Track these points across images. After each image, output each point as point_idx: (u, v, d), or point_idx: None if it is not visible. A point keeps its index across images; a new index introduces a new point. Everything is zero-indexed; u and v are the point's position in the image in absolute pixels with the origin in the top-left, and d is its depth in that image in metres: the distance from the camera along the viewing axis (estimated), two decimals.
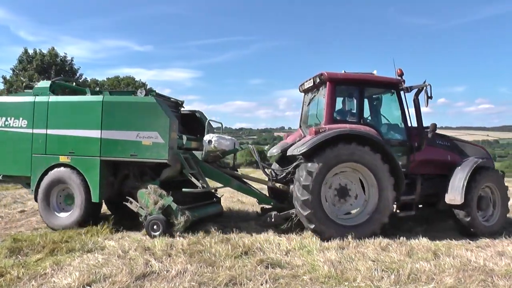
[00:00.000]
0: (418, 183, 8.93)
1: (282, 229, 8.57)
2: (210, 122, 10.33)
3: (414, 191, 8.87)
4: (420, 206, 9.56)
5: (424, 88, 8.70)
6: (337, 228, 7.97)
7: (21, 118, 9.07)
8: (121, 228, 8.61)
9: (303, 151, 8.00)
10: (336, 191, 8.44)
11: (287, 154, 8.97)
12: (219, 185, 9.57)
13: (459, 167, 8.99)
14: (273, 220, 8.81)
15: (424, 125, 9.16)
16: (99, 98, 8.90)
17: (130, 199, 8.64)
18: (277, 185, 9.40)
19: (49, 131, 8.92)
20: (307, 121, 10.01)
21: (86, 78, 35.89)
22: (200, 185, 8.84)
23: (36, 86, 9.65)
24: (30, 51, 35.71)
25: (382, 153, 8.23)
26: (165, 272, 5.67)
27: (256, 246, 7.12)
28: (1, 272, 5.58)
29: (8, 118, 9.12)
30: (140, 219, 8.39)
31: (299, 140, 9.20)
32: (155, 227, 8.07)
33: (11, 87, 33.31)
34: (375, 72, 9.20)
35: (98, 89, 10.45)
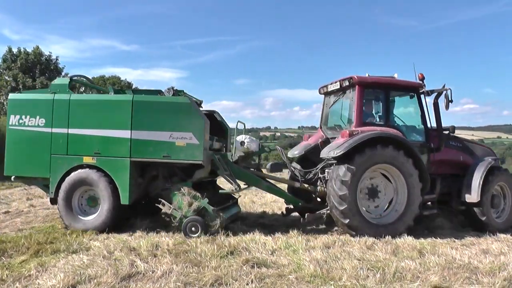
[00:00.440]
0: (437, 183, 9.33)
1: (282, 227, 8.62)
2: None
3: (434, 191, 9.25)
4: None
5: (445, 92, 9.16)
6: (369, 226, 8.27)
7: (38, 117, 8.57)
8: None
9: (340, 153, 8.20)
10: (366, 191, 8.71)
11: (321, 156, 9.01)
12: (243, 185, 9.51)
13: (474, 168, 9.49)
14: (306, 220, 9.28)
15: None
16: (128, 97, 8.55)
17: (163, 200, 8.47)
18: (305, 185, 9.54)
19: (71, 131, 8.50)
20: (328, 122, 10.36)
21: None
22: (234, 187, 8.91)
23: (52, 83, 9.17)
24: (15, 50, 35.33)
25: (411, 155, 8.58)
26: (150, 273, 5.65)
27: (242, 245, 7.13)
28: None
29: (23, 116, 8.61)
30: (173, 221, 8.36)
31: (322, 141, 9.88)
32: (193, 228, 8.04)
33: None
34: (396, 75, 9.50)
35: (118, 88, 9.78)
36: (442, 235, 8.59)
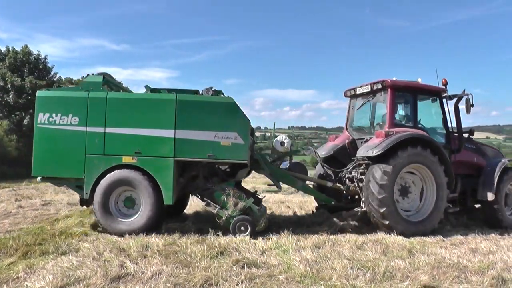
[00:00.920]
0: (458, 182, 9.83)
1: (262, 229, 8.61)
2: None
3: (456, 190, 9.75)
4: None
5: (465, 96, 9.86)
6: (406, 224, 8.70)
7: (70, 115, 8.23)
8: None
9: (379, 152, 8.62)
10: (399, 190, 9.12)
11: (358, 155, 9.34)
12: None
13: (489, 168, 10.17)
14: (342, 217, 9.50)
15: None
16: (172, 96, 8.43)
17: (208, 200, 8.51)
18: (337, 185, 9.93)
19: (108, 130, 8.25)
20: (353, 124, 10.90)
21: (60, 77, 35.20)
22: (277, 186, 9.30)
23: (84, 80, 8.83)
24: (3, 49, 34.99)
25: (440, 156, 9.12)
26: (140, 274, 5.62)
27: (232, 246, 7.14)
28: None
29: (53, 115, 8.24)
30: (219, 221, 8.36)
31: (348, 142, 10.46)
32: (242, 228, 8.15)
33: None
34: (419, 80, 9.99)
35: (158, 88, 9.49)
36: (431, 235, 8.68)
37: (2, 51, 34.83)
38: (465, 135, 10.38)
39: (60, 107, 8.31)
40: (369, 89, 9.98)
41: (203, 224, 8.91)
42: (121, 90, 9.98)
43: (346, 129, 10.92)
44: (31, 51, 33.75)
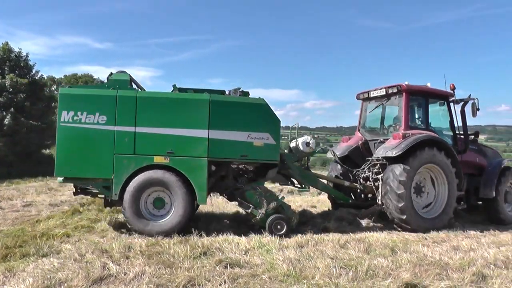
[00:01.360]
0: (464, 181, 10.28)
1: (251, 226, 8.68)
2: None
3: (462, 188, 10.22)
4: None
5: (471, 101, 10.48)
6: (421, 221, 9.25)
7: (97, 114, 8.04)
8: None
9: (399, 153, 9.10)
10: (414, 188, 9.51)
11: (377, 156, 9.83)
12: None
13: (490, 168, 10.94)
14: (361, 215, 9.99)
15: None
16: (205, 96, 8.41)
17: (241, 200, 8.60)
18: (354, 183, 10.44)
19: (139, 129, 8.13)
20: (366, 126, 11.49)
21: (42, 75, 34.54)
22: (306, 186, 9.70)
23: (110, 78, 8.54)
24: None
25: (451, 157, 9.73)
26: (122, 275, 5.59)
27: (215, 246, 7.14)
28: None
29: (78, 113, 8.00)
30: (253, 220, 8.49)
31: (362, 142, 10.99)
32: (279, 226, 8.26)
33: None
34: (429, 84, 10.55)
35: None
36: (415, 233, 8.83)
37: None
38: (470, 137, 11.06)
39: (86, 105, 8.10)
40: (384, 93, 10.46)
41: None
42: (143, 89, 9.87)
43: (359, 130, 11.46)
44: (11, 48, 33.18)
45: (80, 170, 8.14)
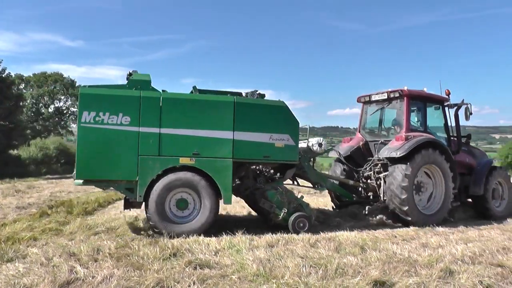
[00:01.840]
0: (457, 180, 10.87)
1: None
2: None
3: (455, 186, 10.77)
4: None
5: (465, 105, 11.32)
6: (423, 217, 9.91)
7: (120, 114, 7.93)
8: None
9: (403, 153, 9.68)
10: (414, 185, 10.06)
11: (381, 156, 10.32)
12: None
13: (479, 167, 11.72)
14: (366, 212, 10.48)
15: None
16: (230, 98, 8.57)
17: (264, 199, 8.83)
18: (358, 182, 11.02)
19: (164, 130, 8.12)
20: (366, 127, 12.09)
21: (10, 73, 33.74)
22: (319, 186, 10.26)
23: (131, 78, 8.46)
24: None
25: (448, 157, 10.42)
26: (90, 278, 5.47)
27: (185, 247, 7.09)
28: None
29: (100, 113, 7.85)
30: (276, 219, 8.77)
31: (362, 143, 11.51)
32: (301, 224, 8.64)
33: None
34: (425, 89, 11.18)
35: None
36: (384, 231, 8.98)
37: None
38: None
39: (108, 105, 7.95)
40: (386, 97, 11.03)
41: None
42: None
43: (359, 131, 12.01)
44: None
45: (104, 172, 8.04)
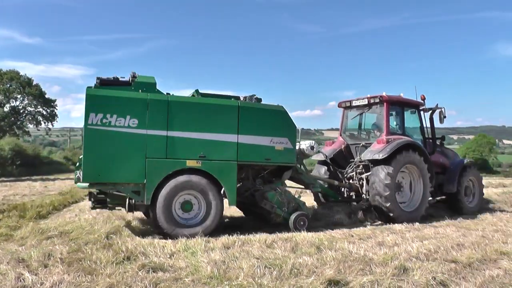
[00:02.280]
0: (433, 179, 11.57)
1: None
2: None
3: (432, 184, 11.54)
4: None
5: (439, 109, 12.20)
6: (401, 212, 10.60)
7: (128, 117, 7.89)
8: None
9: (385, 155, 10.35)
10: (395, 185, 10.65)
11: (363, 158, 10.96)
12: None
13: (452, 166, 12.66)
14: (352, 209, 11.07)
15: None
16: (234, 103, 8.82)
17: (264, 200, 9.16)
18: (342, 182, 11.83)
19: (171, 133, 8.17)
20: (347, 131, 12.84)
21: None
22: (312, 187, 10.62)
23: (136, 80, 8.36)
24: None
25: (425, 158, 11.19)
26: (39, 285, 5.28)
27: (139, 250, 6.94)
28: None
29: (108, 115, 7.78)
30: (277, 219, 9.26)
31: (344, 146, 12.31)
32: (302, 222, 9.08)
33: None
34: (402, 94, 11.96)
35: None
36: (341, 231, 9.10)
37: None
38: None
39: (116, 107, 7.88)
40: (366, 102, 11.74)
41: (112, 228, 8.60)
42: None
43: (340, 135, 12.75)
44: None
45: (111, 175, 7.95)
